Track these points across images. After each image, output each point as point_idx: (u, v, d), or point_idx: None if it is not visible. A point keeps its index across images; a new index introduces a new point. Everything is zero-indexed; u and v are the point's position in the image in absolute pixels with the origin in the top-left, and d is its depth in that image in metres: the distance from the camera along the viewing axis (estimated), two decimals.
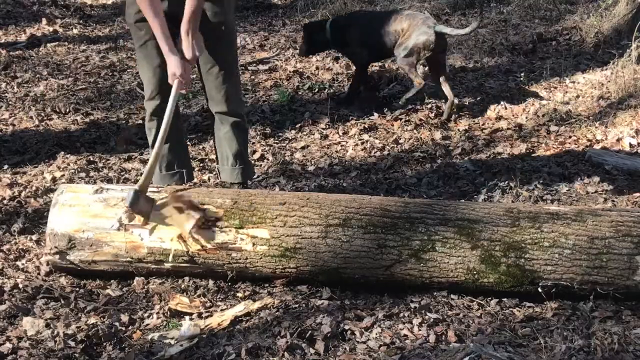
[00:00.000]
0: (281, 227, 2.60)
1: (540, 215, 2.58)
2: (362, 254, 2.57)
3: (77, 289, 2.70)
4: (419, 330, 2.39)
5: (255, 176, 3.58)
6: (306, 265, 2.61)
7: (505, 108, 4.78)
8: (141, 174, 3.11)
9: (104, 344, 2.32)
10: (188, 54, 2.90)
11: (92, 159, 3.94)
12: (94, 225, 2.67)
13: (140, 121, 4.26)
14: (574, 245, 2.50)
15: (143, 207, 2.64)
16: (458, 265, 2.54)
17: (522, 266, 2.52)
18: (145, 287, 2.70)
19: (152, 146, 3.10)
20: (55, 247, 2.68)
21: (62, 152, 3.96)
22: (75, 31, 6.37)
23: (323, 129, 4.48)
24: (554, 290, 2.53)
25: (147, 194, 2.70)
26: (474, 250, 2.53)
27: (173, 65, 2.87)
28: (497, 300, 2.61)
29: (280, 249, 2.60)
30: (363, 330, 2.38)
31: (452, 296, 2.62)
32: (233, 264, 2.65)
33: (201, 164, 3.94)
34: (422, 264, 2.55)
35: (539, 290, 2.53)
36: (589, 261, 2.50)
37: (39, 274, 2.79)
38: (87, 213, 2.69)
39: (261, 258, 2.62)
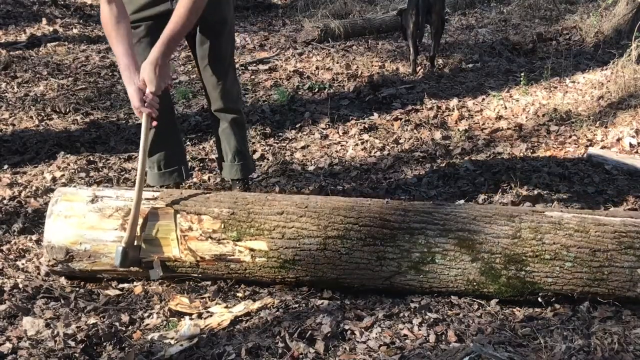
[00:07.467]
0: (279, 240, 2.57)
1: (542, 225, 2.52)
2: (362, 266, 2.54)
3: (77, 289, 2.70)
4: (419, 330, 2.39)
5: (255, 172, 3.56)
6: (305, 276, 2.59)
7: (505, 108, 4.79)
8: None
9: (104, 344, 2.32)
10: (150, 87, 2.61)
11: (92, 159, 3.94)
12: (90, 237, 2.63)
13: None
14: (575, 258, 2.46)
15: (133, 259, 2.59)
16: (458, 277, 2.52)
17: (522, 278, 2.49)
18: (145, 287, 2.70)
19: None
20: (54, 259, 2.67)
21: (62, 152, 3.96)
22: (75, 31, 6.37)
23: (323, 128, 4.48)
24: (553, 299, 2.52)
25: (146, 194, 2.69)
26: (474, 262, 2.50)
27: (131, 98, 2.66)
28: (497, 300, 2.61)
29: (279, 261, 2.58)
30: (363, 330, 2.38)
31: (452, 296, 2.61)
32: (232, 274, 2.64)
33: (201, 164, 3.94)
34: (421, 276, 2.53)
35: (539, 300, 2.52)
36: (590, 274, 2.46)
37: (39, 274, 2.79)
38: (83, 225, 2.64)
39: (260, 269, 2.60)
